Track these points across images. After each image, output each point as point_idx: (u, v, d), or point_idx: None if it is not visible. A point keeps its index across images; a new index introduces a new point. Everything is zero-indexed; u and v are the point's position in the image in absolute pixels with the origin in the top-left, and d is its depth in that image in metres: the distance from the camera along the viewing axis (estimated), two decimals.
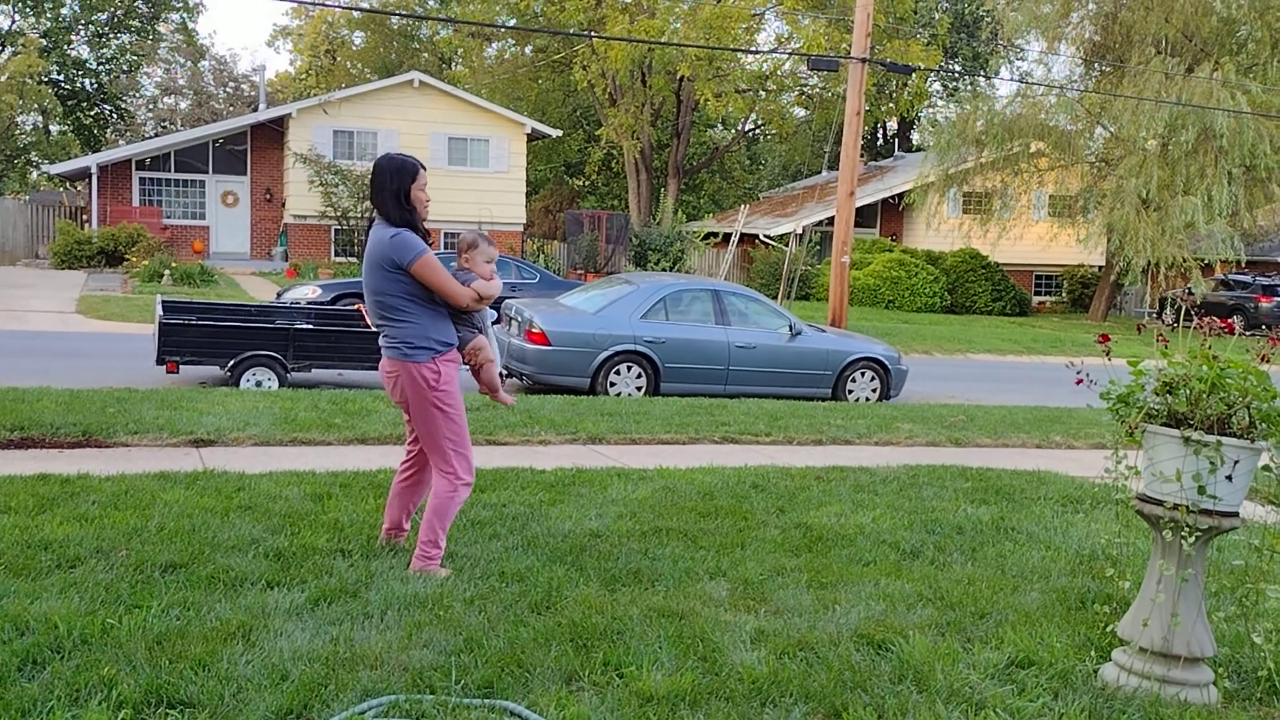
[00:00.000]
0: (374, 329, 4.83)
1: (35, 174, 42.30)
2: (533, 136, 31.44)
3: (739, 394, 12.16)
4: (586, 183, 45.07)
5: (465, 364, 4.83)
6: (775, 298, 24.04)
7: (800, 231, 28.66)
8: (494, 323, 4.53)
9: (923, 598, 4.69)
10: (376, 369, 11.40)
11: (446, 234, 29.70)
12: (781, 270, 26.76)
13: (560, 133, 34.37)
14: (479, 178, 29.83)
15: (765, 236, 30.98)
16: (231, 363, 10.86)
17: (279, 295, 17.48)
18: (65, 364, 11.88)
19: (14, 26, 40.96)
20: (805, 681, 3.66)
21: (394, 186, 4.66)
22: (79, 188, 30.88)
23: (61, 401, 8.46)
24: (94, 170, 27.90)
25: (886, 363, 13.09)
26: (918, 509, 6.50)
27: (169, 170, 29.28)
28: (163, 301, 11.52)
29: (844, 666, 3.80)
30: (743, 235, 30.09)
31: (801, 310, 20.75)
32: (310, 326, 11.78)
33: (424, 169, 4.78)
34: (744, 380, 12.41)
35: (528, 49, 41.00)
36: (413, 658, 3.67)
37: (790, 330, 12.74)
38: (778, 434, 9.43)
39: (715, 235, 30.02)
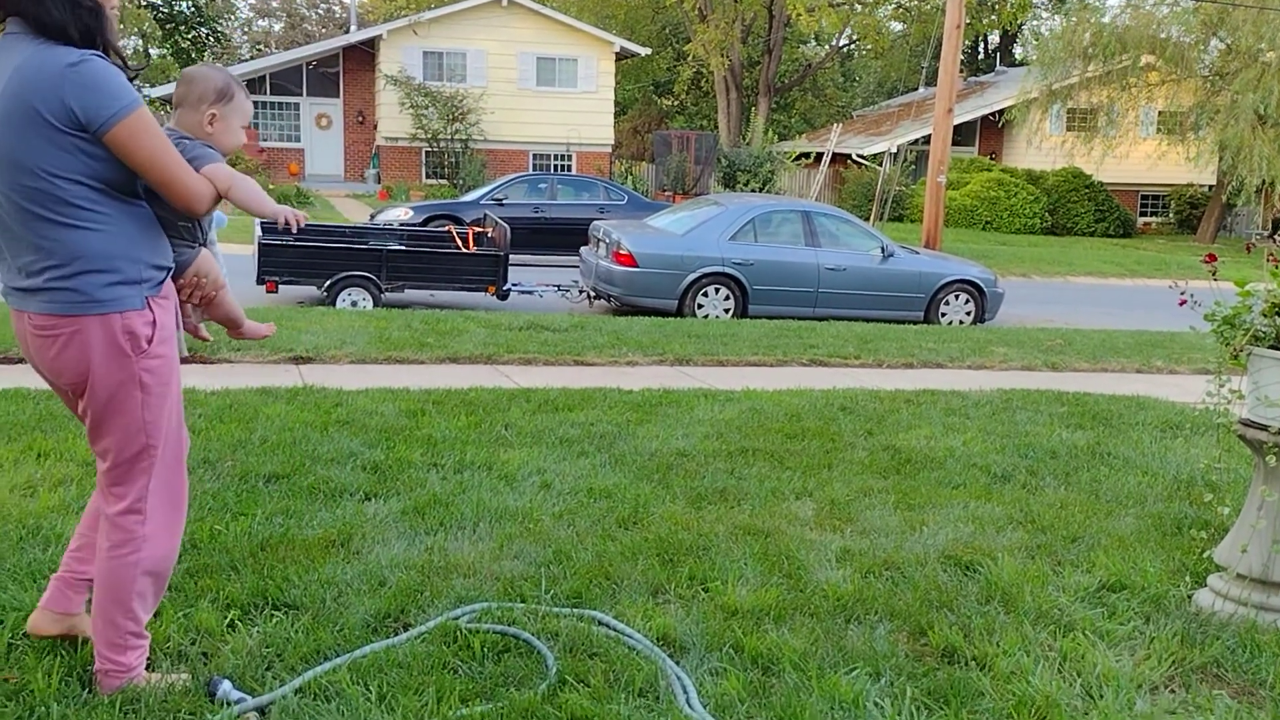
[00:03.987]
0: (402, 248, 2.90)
1: None
2: (621, 55, 31.07)
3: (828, 317, 12.04)
4: (675, 102, 44.48)
5: (186, 299, 2.97)
6: (867, 219, 23.59)
7: (895, 151, 27.97)
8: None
9: (1013, 521, 4.64)
10: (468, 289, 11.78)
11: (534, 155, 29.71)
12: (874, 191, 26.20)
13: (649, 51, 33.88)
14: (567, 98, 29.65)
15: (858, 156, 30.29)
16: (328, 283, 11.12)
17: (372, 217, 17.77)
18: None
19: None
20: (890, 600, 3.67)
21: None
22: None
23: None
24: None
25: (982, 285, 12.81)
26: (1010, 433, 6.39)
27: (264, 93, 29.73)
28: (261, 223, 11.80)
29: (930, 586, 3.80)
30: (835, 155, 29.46)
31: (894, 232, 20.33)
32: (403, 248, 11.97)
33: None
34: (834, 303, 12.27)
35: None
36: (504, 568, 3.77)
37: (882, 252, 12.53)
38: (867, 357, 9.33)
39: (807, 155, 29.43)
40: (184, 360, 2.85)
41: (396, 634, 3.22)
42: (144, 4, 40.20)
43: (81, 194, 2.49)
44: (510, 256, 11.86)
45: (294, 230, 2.75)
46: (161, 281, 2.66)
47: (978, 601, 3.71)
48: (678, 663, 3.13)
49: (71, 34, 2.45)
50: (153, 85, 35.22)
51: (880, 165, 27.37)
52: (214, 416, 5.69)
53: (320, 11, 43.61)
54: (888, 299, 12.49)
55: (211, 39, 45.98)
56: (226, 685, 2.75)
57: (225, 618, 3.22)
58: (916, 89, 36.99)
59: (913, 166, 29.22)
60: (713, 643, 3.27)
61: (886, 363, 9.24)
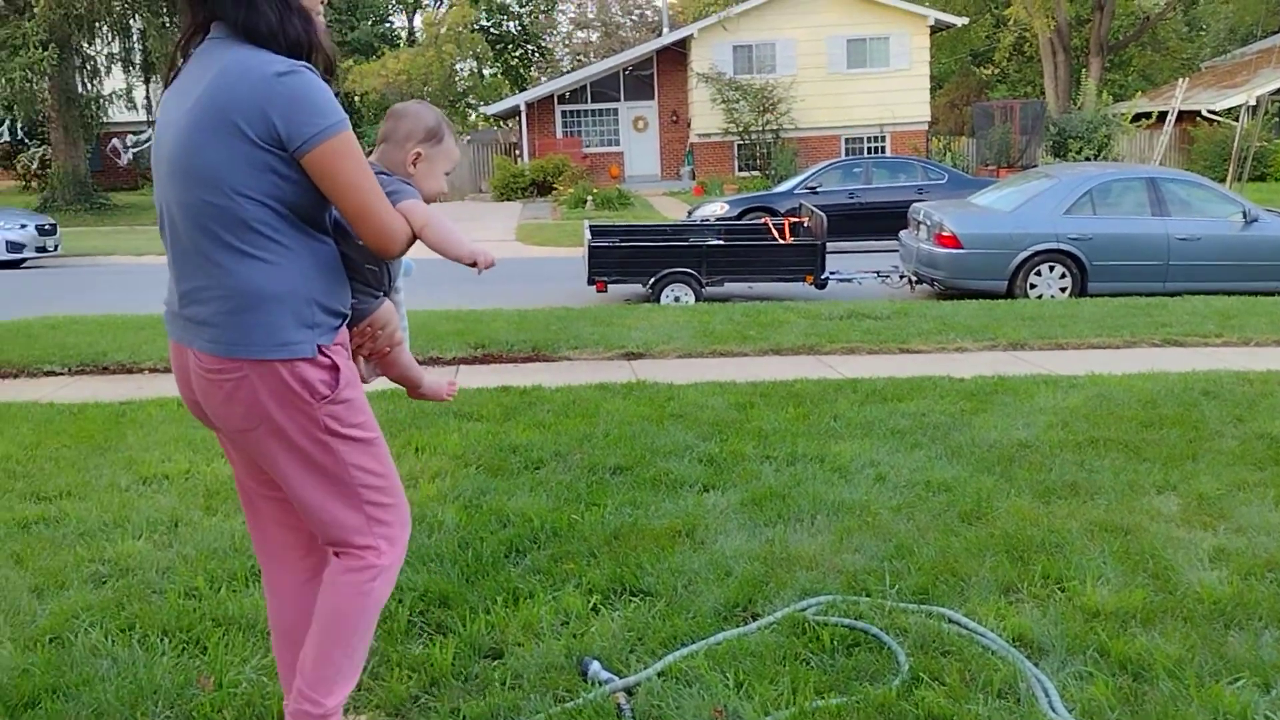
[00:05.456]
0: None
1: (473, 115, 46.89)
2: (935, 28, 30.00)
3: (1181, 292, 11.05)
4: (995, 71, 42.37)
5: (355, 349, 2.55)
6: (1223, 181, 21.39)
7: (1254, 103, 25.18)
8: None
9: None
10: (786, 280, 11.84)
11: (846, 139, 29.29)
12: (1230, 150, 23.69)
13: (965, 20, 32.48)
14: (879, 78, 29.01)
15: (1209, 112, 27.51)
16: (652, 280, 11.56)
17: (690, 213, 18.24)
18: (510, 287, 13.22)
19: None
20: (1277, 604, 3.33)
21: None
22: (510, 125, 33.87)
23: (512, 321, 9.47)
24: (522, 108, 30.44)
25: None
26: None
27: (586, 102, 31.28)
28: (590, 226, 12.47)
29: None
30: (1180, 113, 26.92)
31: (1256, 194, 18.30)
32: (721, 242, 12.22)
33: None
34: (1187, 276, 11.26)
35: None
36: (845, 561, 3.77)
37: (1244, 217, 11.36)
38: (1230, 335, 8.48)
39: (1147, 116, 27.15)
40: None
41: (746, 623, 3.31)
42: (476, 28, 43.43)
43: (264, 218, 2.22)
44: (827, 244, 11.79)
45: (480, 271, 2.45)
46: (336, 328, 2.34)
47: None
48: (1036, 665, 3.01)
49: (280, 42, 2.21)
50: (487, 103, 38.03)
51: (1236, 120, 24.72)
52: (560, 411, 6.08)
53: (634, 18, 45.26)
54: (1252, 269, 11.29)
55: (536, 55, 49.01)
56: (596, 665, 2.95)
57: (589, 602, 3.44)
58: (1277, 32, 33.03)
59: (1275, 120, 26.16)
60: (1074, 645, 3.11)
61: (1254, 340, 8.36)
